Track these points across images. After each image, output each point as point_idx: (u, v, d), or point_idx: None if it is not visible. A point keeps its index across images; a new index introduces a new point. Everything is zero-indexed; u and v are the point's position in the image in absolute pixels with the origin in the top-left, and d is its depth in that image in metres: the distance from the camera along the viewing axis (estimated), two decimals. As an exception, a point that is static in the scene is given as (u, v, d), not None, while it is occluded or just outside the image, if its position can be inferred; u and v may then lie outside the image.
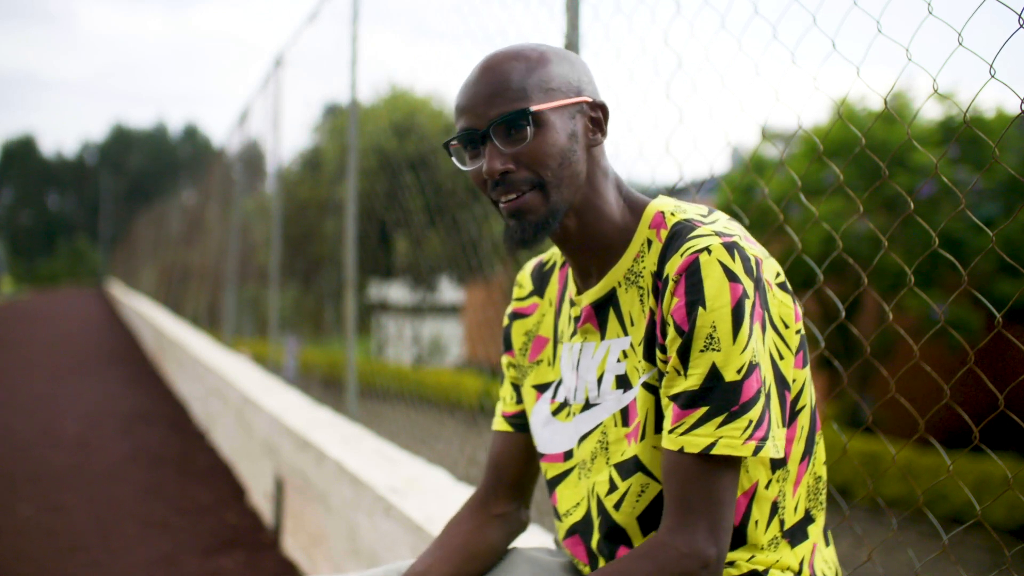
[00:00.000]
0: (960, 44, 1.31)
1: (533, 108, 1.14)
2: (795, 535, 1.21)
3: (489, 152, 1.16)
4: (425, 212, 4.45)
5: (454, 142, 1.22)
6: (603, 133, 1.22)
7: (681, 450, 1.09)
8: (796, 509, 1.22)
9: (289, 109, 6.38)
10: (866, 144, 1.68)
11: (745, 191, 6.94)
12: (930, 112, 7.46)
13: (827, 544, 1.29)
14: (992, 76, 1.28)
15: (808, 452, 1.22)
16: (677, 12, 1.92)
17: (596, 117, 1.21)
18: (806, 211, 6.87)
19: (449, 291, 13.85)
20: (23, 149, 71.55)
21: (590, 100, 1.20)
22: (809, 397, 1.22)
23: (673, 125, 1.90)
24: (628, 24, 2.03)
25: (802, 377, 1.20)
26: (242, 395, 5.16)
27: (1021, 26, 1.21)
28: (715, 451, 1.07)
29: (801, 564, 1.21)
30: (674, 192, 1.99)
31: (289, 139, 6.92)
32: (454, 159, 1.25)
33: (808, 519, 1.24)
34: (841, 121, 4.86)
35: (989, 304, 1.42)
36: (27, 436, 6.49)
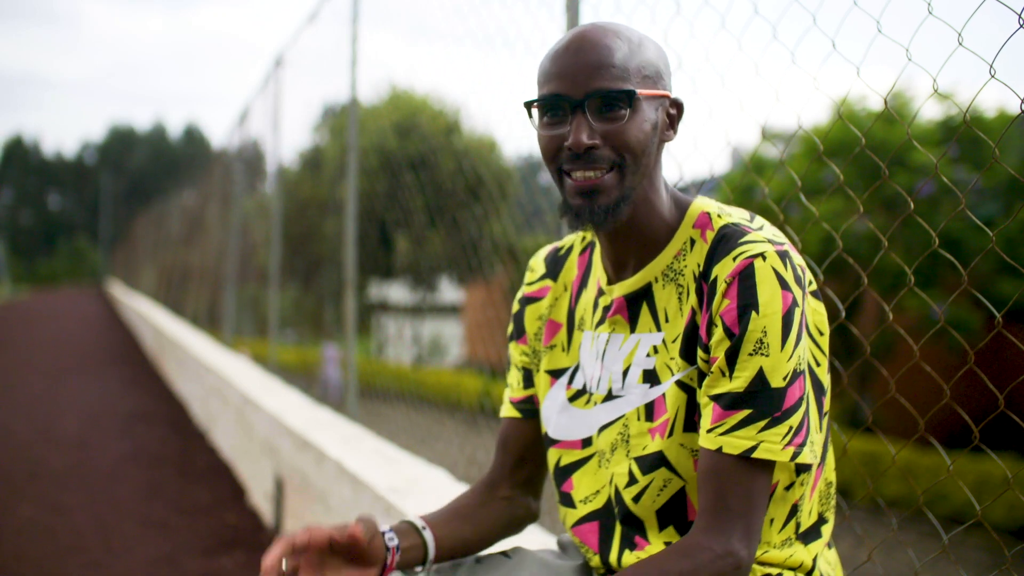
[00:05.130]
0: (960, 44, 1.31)
1: (638, 92, 1.13)
2: (808, 536, 1.22)
3: (578, 123, 1.13)
4: (425, 212, 4.46)
5: (535, 104, 1.18)
6: (675, 131, 1.21)
7: (719, 450, 1.10)
8: (811, 512, 1.22)
9: (289, 109, 6.39)
10: (866, 144, 1.68)
11: (745, 191, 6.94)
12: (930, 112, 7.46)
13: (830, 547, 1.30)
14: (992, 76, 1.28)
15: (822, 457, 1.24)
16: (677, 12, 1.92)
17: (673, 114, 1.21)
18: (806, 211, 6.87)
19: (449, 291, 13.86)
20: (23, 149, 71.57)
21: (672, 96, 1.20)
22: (828, 403, 1.23)
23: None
24: (628, 24, 2.02)
25: (828, 383, 1.22)
26: (242, 395, 5.16)
27: (1021, 26, 1.21)
28: (755, 455, 1.08)
29: (815, 560, 1.22)
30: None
31: (289, 139, 6.92)
32: (532, 121, 1.21)
33: (821, 520, 1.25)
34: (841, 121, 4.86)
35: (989, 304, 1.42)
36: (27, 436, 6.49)
